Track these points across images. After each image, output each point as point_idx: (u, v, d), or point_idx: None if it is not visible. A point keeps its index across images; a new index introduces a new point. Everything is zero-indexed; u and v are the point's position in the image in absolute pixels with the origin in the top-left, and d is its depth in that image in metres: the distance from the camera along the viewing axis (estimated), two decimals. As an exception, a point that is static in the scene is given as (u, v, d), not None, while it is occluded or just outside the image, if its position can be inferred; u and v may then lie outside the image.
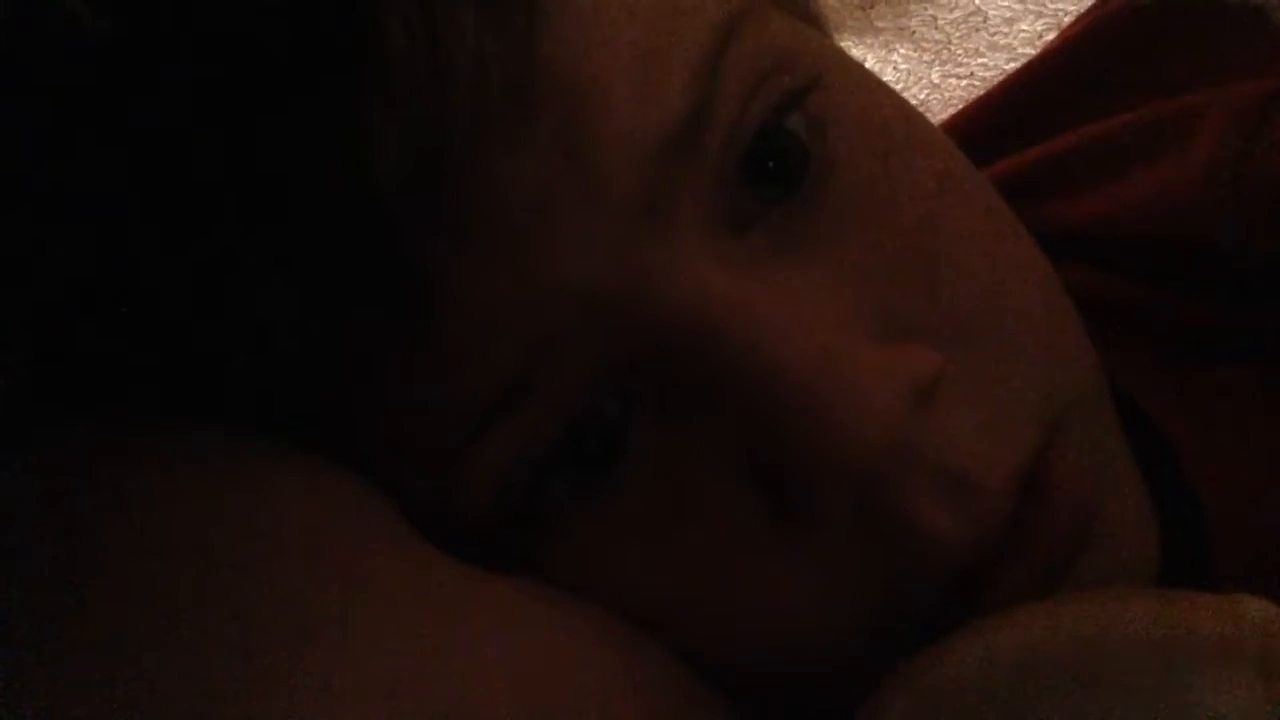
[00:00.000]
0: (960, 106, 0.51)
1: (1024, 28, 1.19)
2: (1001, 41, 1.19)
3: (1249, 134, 0.37)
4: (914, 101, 1.14)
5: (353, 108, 0.26)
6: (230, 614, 0.25)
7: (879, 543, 0.29)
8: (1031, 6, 1.20)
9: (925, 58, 1.17)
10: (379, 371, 0.28)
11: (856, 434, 0.27)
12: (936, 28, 1.24)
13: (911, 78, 1.17)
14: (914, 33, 1.25)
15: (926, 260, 0.30)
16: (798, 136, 0.29)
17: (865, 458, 0.27)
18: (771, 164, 0.29)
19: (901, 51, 1.17)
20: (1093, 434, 0.31)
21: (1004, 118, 0.46)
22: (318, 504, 0.28)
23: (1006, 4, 1.22)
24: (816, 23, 0.35)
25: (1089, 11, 0.47)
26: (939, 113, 1.09)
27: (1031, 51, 1.13)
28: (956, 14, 1.24)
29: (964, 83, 1.11)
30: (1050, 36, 1.13)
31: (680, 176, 0.28)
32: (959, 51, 1.20)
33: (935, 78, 1.15)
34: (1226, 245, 0.37)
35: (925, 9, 1.26)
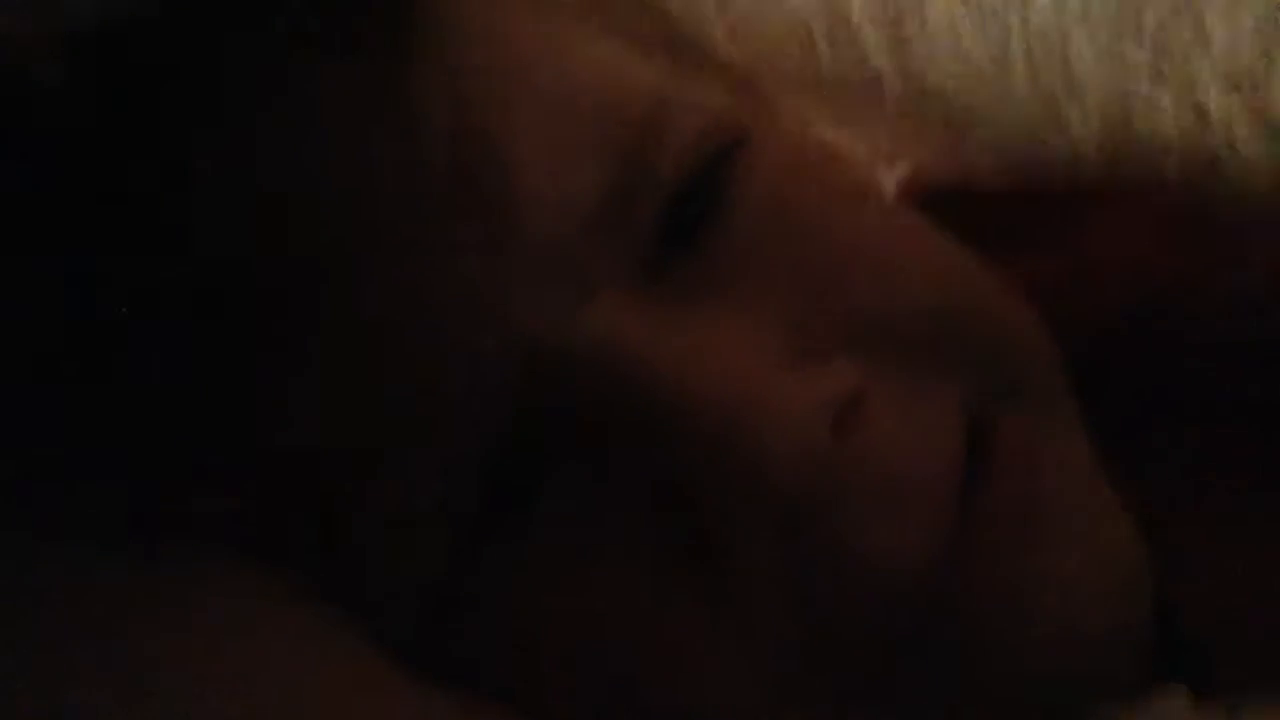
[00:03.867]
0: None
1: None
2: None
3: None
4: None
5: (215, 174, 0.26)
6: None
7: (824, 586, 0.27)
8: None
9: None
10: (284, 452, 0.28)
11: (775, 464, 0.26)
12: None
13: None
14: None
15: (837, 276, 0.30)
16: (717, 188, 0.29)
17: (787, 489, 0.26)
18: (690, 214, 0.29)
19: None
20: (1033, 421, 0.30)
21: None
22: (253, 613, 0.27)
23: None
24: (745, 87, 0.35)
25: None
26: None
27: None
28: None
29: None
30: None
31: (603, 243, 0.28)
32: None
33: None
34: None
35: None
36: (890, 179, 0.41)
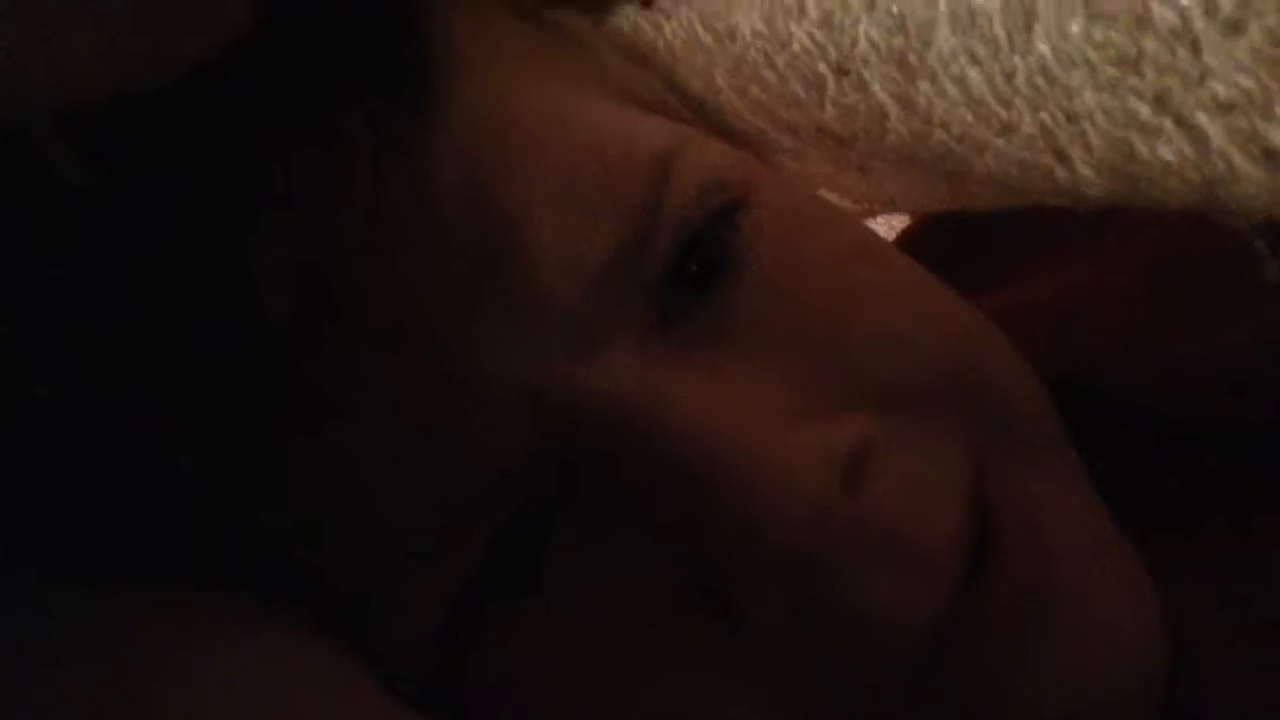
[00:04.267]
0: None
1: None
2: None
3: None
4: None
5: (237, 248, 0.27)
6: None
7: (827, 637, 0.28)
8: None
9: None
10: (306, 507, 0.28)
11: (784, 515, 0.27)
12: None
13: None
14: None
15: (842, 331, 0.30)
16: (721, 242, 0.30)
17: (795, 540, 0.27)
18: (695, 268, 0.30)
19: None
20: (1038, 474, 0.30)
21: None
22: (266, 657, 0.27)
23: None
24: (749, 144, 0.36)
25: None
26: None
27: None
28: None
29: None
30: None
31: (612, 299, 0.29)
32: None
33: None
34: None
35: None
36: (886, 228, 0.41)
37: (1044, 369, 0.33)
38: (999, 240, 0.41)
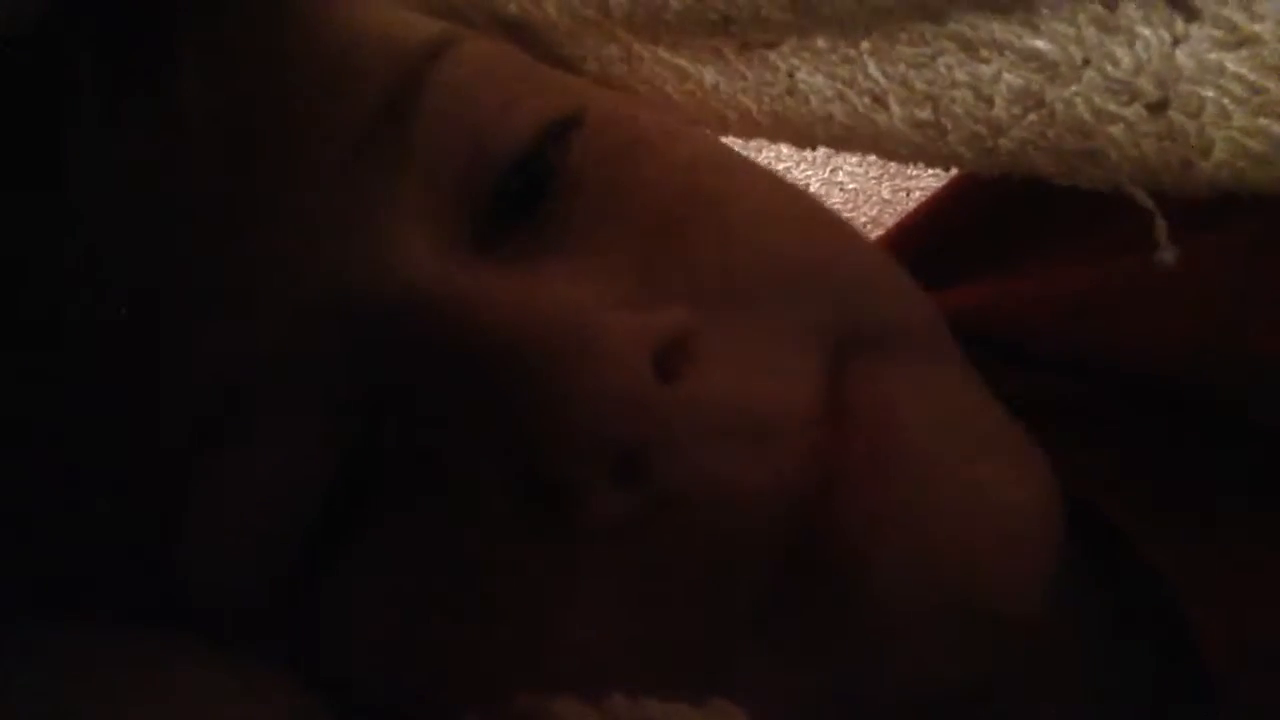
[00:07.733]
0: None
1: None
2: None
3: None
4: (864, 219, 1.13)
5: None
6: None
7: (673, 526, 0.27)
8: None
9: (873, 174, 1.17)
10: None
11: (593, 400, 0.26)
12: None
13: (860, 196, 1.17)
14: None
15: (672, 232, 0.30)
16: (549, 162, 0.30)
17: (607, 426, 0.26)
18: (519, 190, 0.29)
19: (846, 169, 1.18)
20: (902, 372, 0.29)
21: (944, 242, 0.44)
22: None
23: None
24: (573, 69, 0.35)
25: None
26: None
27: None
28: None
29: (916, 196, 1.12)
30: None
31: (438, 208, 0.28)
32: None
33: (885, 193, 1.16)
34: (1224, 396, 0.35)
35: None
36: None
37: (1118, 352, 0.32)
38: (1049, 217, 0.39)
